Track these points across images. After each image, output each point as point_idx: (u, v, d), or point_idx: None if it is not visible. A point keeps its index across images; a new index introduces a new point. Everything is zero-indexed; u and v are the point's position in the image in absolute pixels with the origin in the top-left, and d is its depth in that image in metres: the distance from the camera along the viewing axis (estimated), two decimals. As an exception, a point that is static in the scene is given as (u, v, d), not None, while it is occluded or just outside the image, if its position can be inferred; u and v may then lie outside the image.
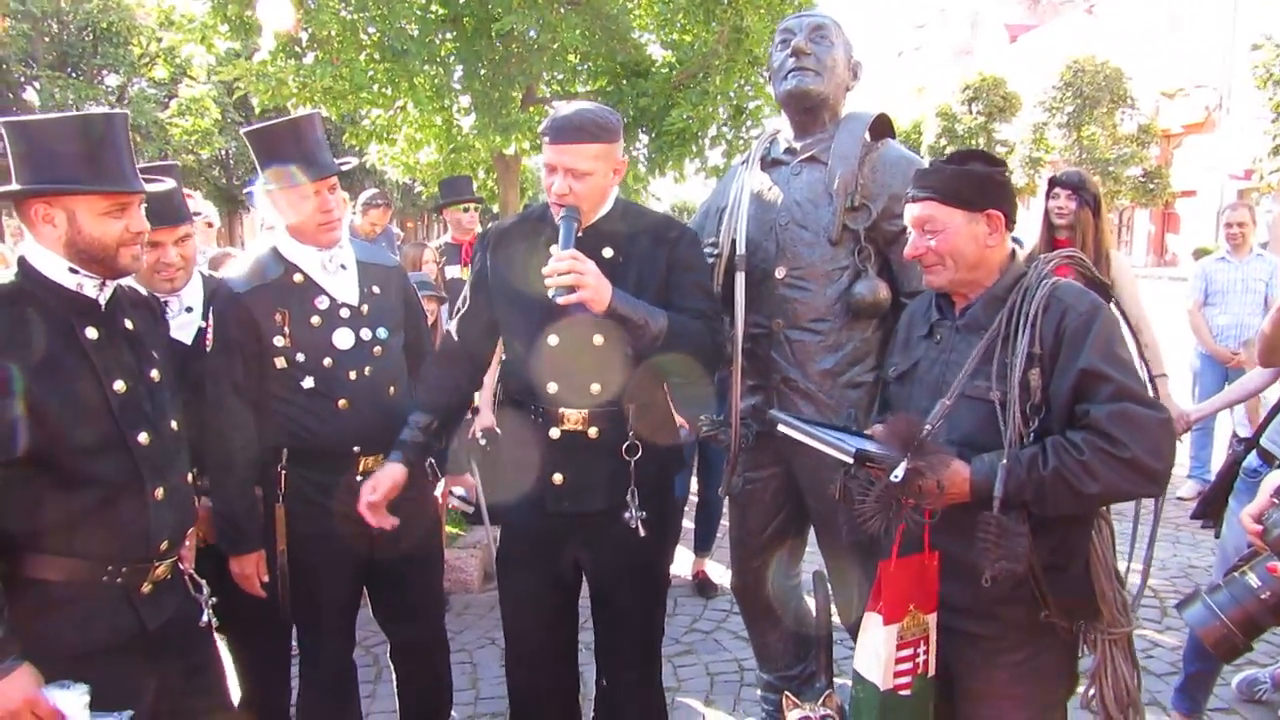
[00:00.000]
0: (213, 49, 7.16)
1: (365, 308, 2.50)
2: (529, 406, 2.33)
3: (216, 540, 2.41)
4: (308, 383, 2.41)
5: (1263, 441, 2.64)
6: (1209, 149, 29.56)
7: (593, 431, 2.30)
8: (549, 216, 2.35)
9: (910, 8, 54.93)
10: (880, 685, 1.90)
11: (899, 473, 1.75)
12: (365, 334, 2.48)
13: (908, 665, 1.92)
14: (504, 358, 2.51)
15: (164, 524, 1.90)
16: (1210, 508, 2.71)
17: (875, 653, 1.92)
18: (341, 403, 2.42)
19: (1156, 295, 2.26)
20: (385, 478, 2.31)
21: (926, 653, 1.95)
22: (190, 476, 2.06)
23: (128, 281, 2.01)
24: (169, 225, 2.41)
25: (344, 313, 2.47)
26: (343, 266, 2.49)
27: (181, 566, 2.02)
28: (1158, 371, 3.74)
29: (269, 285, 2.43)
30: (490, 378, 3.38)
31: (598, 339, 2.25)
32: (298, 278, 2.45)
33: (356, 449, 2.45)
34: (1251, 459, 2.66)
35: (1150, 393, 1.79)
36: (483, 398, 4.00)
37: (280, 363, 2.42)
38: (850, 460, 1.86)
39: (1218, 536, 2.83)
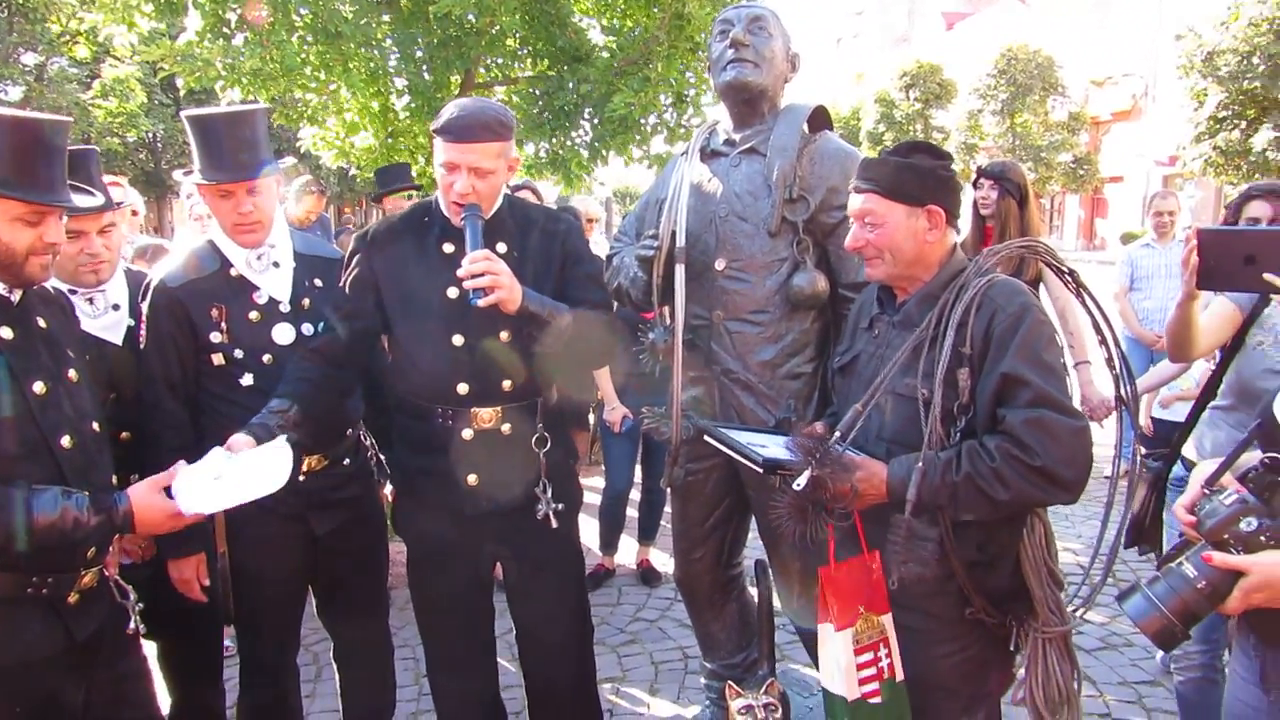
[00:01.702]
0: (135, 27, 6.87)
1: (306, 301, 2.44)
2: (435, 410, 2.30)
3: (156, 544, 2.33)
4: (247, 380, 2.35)
5: (1184, 453, 2.68)
6: (1136, 136, 30.49)
7: (506, 428, 2.30)
8: (435, 214, 2.33)
9: (849, -6, 55.35)
10: (848, 696, 1.86)
11: (801, 482, 1.78)
12: (307, 329, 2.41)
13: (870, 671, 1.88)
14: (391, 365, 2.43)
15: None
16: (1144, 533, 2.62)
17: (835, 662, 1.88)
18: None
19: (1086, 278, 2.33)
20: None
21: (889, 655, 1.90)
22: (115, 479, 2.00)
23: None
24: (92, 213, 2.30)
25: (284, 307, 2.41)
26: (275, 265, 2.41)
27: (107, 573, 1.95)
28: (1081, 358, 3.86)
29: (205, 279, 2.36)
30: None
31: (504, 335, 2.26)
32: (234, 272, 2.38)
33: None
34: (1178, 469, 2.69)
35: (1074, 386, 1.80)
36: None
37: (218, 359, 2.35)
38: (760, 470, 1.88)
39: (1159, 563, 2.74)
